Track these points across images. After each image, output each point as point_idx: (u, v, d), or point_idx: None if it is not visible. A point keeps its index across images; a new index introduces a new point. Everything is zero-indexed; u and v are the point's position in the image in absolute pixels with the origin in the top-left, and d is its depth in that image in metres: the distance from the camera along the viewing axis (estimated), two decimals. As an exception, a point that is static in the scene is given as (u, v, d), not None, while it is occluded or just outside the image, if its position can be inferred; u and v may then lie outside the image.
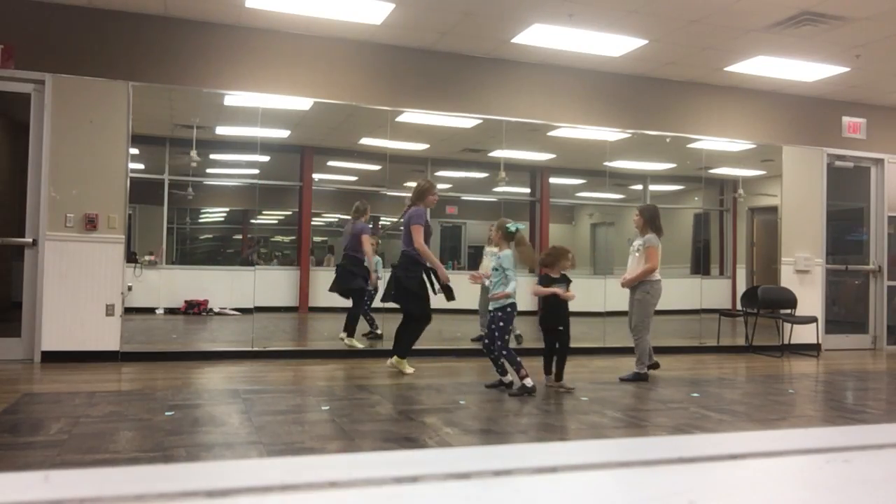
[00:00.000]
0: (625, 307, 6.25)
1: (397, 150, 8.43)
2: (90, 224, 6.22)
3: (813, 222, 8.75)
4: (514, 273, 5.28)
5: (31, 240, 6.22)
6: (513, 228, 5.41)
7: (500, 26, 6.64)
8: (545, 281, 5.55)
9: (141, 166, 8.37)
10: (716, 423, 4.49)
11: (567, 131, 8.17)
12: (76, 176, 6.22)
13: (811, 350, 8.24)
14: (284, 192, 10.54)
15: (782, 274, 8.60)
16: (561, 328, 5.49)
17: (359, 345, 7.27)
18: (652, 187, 10.43)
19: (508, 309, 5.31)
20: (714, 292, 9.75)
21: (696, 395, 5.48)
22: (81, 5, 6.26)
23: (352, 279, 7.22)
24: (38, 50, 6.18)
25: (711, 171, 9.36)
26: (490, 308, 5.44)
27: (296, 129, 8.83)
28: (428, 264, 5.88)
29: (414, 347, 7.79)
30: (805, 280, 8.61)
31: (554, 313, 5.54)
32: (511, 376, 5.28)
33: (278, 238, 11.95)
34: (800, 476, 0.66)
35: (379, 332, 7.74)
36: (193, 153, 7.61)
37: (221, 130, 8.56)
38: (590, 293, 8.06)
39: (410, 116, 7.57)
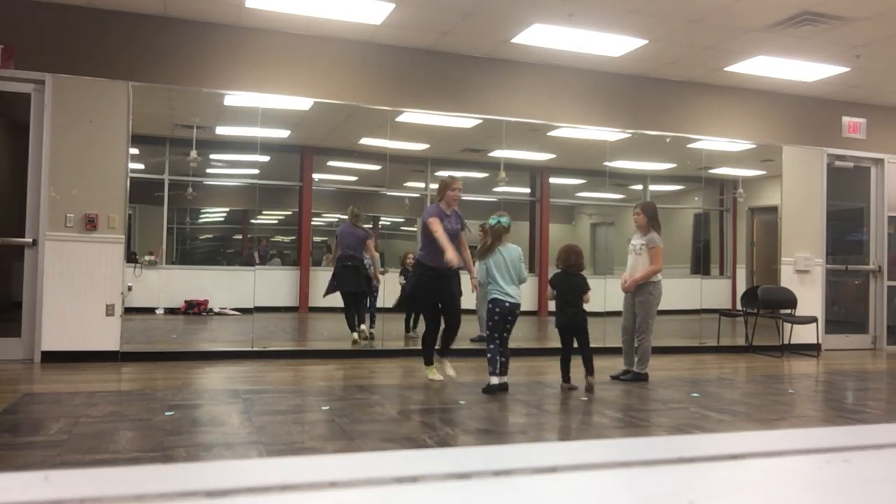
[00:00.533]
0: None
1: (397, 150, 8.43)
2: (90, 224, 6.22)
3: (813, 222, 8.74)
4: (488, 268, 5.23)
5: (31, 240, 6.22)
6: (492, 222, 5.36)
7: (500, 26, 6.64)
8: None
9: (141, 166, 8.37)
10: (716, 423, 4.49)
11: (567, 131, 8.17)
12: (76, 176, 6.22)
13: (811, 350, 8.24)
14: (284, 192, 10.54)
15: (782, 274, 8.60)
16: (572, 330, 5.38)
17: (356, 336, 7.47)
18: (652, 187, 10.43)
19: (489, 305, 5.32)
20: (714, 292, 9.75)
21: (696, 395, 5.48)
22: (81, 5, 6.25)
23: (361, 281, 7.59)
24: (38, 50, 6.18)
25: (711, 171, 9.36)
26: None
27: (296, 129, 8.83)
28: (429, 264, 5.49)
29: (413, 347, 7.82)
30: (805, 280, 8.61)
31: (562, 313, 5.43)
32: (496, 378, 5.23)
33: (278, 238, 11.96)
34: (800, 476, 0.66)
35: (372, 331, 7.79)
36: (193, 153, 7.61)
37: (221, 130, 8.56)
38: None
39: (410, 116, 7.57)
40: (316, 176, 10.38)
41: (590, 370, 5.31)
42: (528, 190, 10.82)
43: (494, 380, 5.17)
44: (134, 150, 6.57)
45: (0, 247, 6.35)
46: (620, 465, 0.62)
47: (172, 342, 7.95)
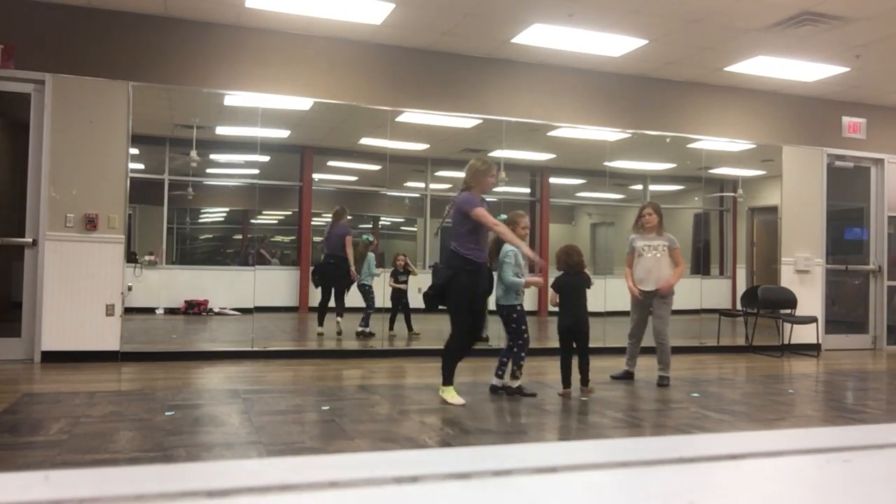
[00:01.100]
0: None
1: (397, 150, 8.43)
2: (90, 224, 6.22)
3: (813, 222, 8.74)
4: (511, 269, 5.07)
5: (31, 240, 6.22)
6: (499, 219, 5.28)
7: (500, 26, 6.64)
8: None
9: (141, 166, 8.37)
10: (716, 423, 4.49)
11: (567, 131, 8.17)
12: (76, 176, 6.22)
13: (811, 350, 8.24)
14: (284, 192, 10.54)
15: (782, 274, 8.60)
16: (575, 333, 5.32)
17: (331, 329, 7.82)
18: (652, 187, 10.43)
19: (519, 308, 5.19)
20: (714, 292, 9.75)
21: (696, 395, 5.48)
22: (81, 5, 6.25)
23: (340, 277, 7.94)
24: (38, 50, 6.18)
25: (711, 171, 9.36)
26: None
27: (296, 129, 8.83)
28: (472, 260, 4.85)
29: (413, 347, 7.84)
30: (805, 280, 8.61)
31: (566, 315, 5.38)
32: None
33: (278, 238, 11.95)
34: (800, 476, 0.66)
35: (369, 330, 7.83)
36: (193, 153, 7.61)
37: (221, 130, 8.56)
38: (590, 293, 8.04)
39: (410, 116, 7.57)
40: (316, 176, 10.38)
41: (586, 380, 5.30)
42: (528, 190, 10.82)
43: (494, 381, 5.18)
44: (134, 150, 6.57)
45: (0, 247, 6.35)
46: (620, 465, 0.62)
47: (172, 342, 7.95)
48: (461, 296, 4.77)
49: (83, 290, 6.19)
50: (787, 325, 8.28)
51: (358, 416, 4.44)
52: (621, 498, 0.59)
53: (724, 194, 10.07)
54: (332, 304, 8.05)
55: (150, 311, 8.95)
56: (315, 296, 9.79)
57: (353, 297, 8.28)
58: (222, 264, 11.42)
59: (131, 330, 6.71)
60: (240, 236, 11.94)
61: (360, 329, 8.06)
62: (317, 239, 11.06)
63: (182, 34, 6.58)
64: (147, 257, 8.96)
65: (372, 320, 7.99)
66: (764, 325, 8.48)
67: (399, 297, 8.14)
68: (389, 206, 11.08)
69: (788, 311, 8.29)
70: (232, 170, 10.03)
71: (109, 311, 6.27)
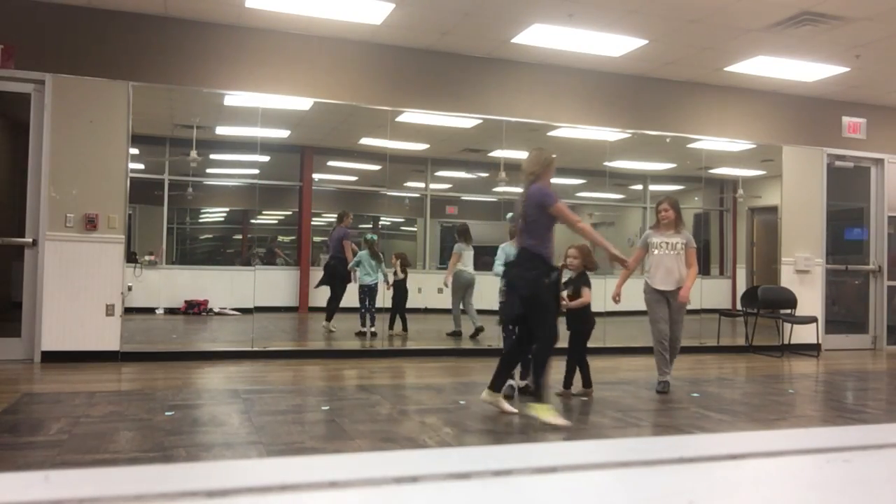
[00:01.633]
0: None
1: (397, 150, 8.43)
2: (90, 224, 6.22)
3: (813, 222, 8.75)
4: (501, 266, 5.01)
5: (31, 240, 6.22)
6: (510, 220, 5.22)
7: (500, 26, 6.64)
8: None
9: (141, 166, 8.37)
10: (716, 423, 4.49)
11: (567, 131, 8.17)
12: (76, 176, 6.22)
13: (811, 350, 8.24)
14: (284, 192, 10.55)
15: (782, 274, 8.60)
16: (575, 331, 5.28)
17: (333, 329, 8.12)
18: (652, 187, 10.43)
19: None
20: (714, 292, 9.75)
21: (696, 395, 5.48)
22: (81, 5, 6.25)
23: (340, 277, 8.27)
24: (38, 50, 6.18)
25: (711, 171, 9.36)
26: None
27: (296, 129, 8.83)
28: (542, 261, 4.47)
29: (413, 347, 7.85)
30: (805, 280, 8.61)
31: (571, 315, 5.30)
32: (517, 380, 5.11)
33: (278, 238, 11.95)
34: (800, 476, 0.66)
35: (374, 330, 7.84)
36: (193, 153, 7.61)
37: (221, 130, 8.56)
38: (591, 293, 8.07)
39: (410, 116, 7.57)
40: (316, 176, 10.38)
41: (588, 382, 5.29)
42: (528, 190, 10.80)
43: (521, 382, 5.15)
44: (134, 150, 6.57)
45: (0, 247, 6.35)
46: (620, 465, 0.62)
47: (172, 342, 7.95)
48: (552, 299, 4.41)
49: (83, 290, 6.19)
50: (787, 325, 8.28)
51: (358, 416, 4.44)
52: (621, 498, 0.59)
53: (724, 196, 10.08)
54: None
55: (150, 311, 8.95)
56: (314, 296, 9.81)
57: (352, 298, 8.32)
58: (222, 264, 11.43)
59: (131, 330, 6.71)
60: (240, 236, 11.95)
61: (363, 329, 8.07)
62: (317, 239, 11.07)
63: (182, 34, 6.58)
64: (147, 257, 8.96)
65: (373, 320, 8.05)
66: (764, 325, 8.48)
67: (397, 296, 8.17)
68: (389, 206, 11.07)
69: (788, 311, 8.29)
70: (232, 170, 10.03)
71: (109, 311, 6.27)
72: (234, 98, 7.00)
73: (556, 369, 5.74)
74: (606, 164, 8.40)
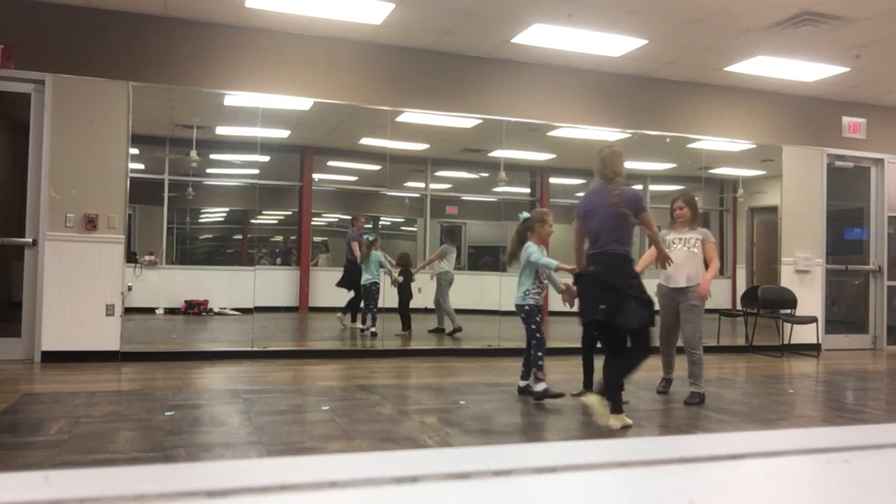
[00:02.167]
0: None
1: (397, 150, 8.43)
2: (90, 224, 6.22)
3: (813, 222, 8.75)
4: (529, 269, 4.93)
5: (31, 240, 6.22)
6: (521, 218, 5.14)
7: (500, 26, 6.64)
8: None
9: (141, 166, 8.37)
10: (716, 423, 4.49)
11: (567, 131, 8.17)
12: (76, 176, 6.22)
13: (811, 350, 8.24)
14: (284, 192, 10.55)
15: (782, 274, 8.60)
16: (596, 333, 5.07)
17: (360, 325, 8.18)
18: (652, 187, 10.43)
19: (526, 308, 5.01)
20: (714, 292, 9.73)
21: (696, 395, 5.47)
22: (81, 5, 6.25)
23: (352, 277, 8.46)
24: (38, 50, 6.18)
25: (711, 171, 9.36)
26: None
27: (296, 129, 8.83)
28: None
29: (413, 347, 7.85)
30: (805, 280, 8.61)
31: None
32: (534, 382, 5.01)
33: (278, 238, 11.96)
34: (800, 476, 0.66)
35: (374, 330, 7.87)
36: (193, 153, 7.61)
37: (221, 130, 8.56)
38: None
39: (410, 116, 7.57)
40: (316, 176, 10.38)
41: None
42: (528, 190, 10.82)
43: (521, 382, 5.14)
44: (134, 150, 6.57)
45: (0, 247, 6.35)
46: (620, 465, 0.62)
47: (172, 342, 7.95)
48: (640, 304, 4.21)
49: (83, 290, 6.19)
50: (787, 325, 8.28)
51: (358, 416, 4.44)
52: (621, 498, 0.59)
53: (724, 196, 10.08)
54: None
55: (150, 311, 8.96)
56: (314, 296, 9.82)
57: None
58: (222, 264, 11.43)
59: (131, 330, 6.71)
60: (240, 236, 11.95)
61: (361, 327, 8.11)
62: (317, 239, 11.09)
63: (182, 34, 6.58)
64: (147, 257, 8.97)
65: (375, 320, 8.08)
66: (764, 325, 8.48)
67: (401, 296, 8.20)
68: (389, 206, 11.07)
69: (788, 311, 8.29)
70: (232, 170, 10.03)
71: (109, 311, 6.27)
72: (234, 98, 7.00)
73: (554, 370, 5.74)
74: (606, 164, 8.39)
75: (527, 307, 5.01)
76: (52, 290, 6.11)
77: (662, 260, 4.74)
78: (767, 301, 8.30)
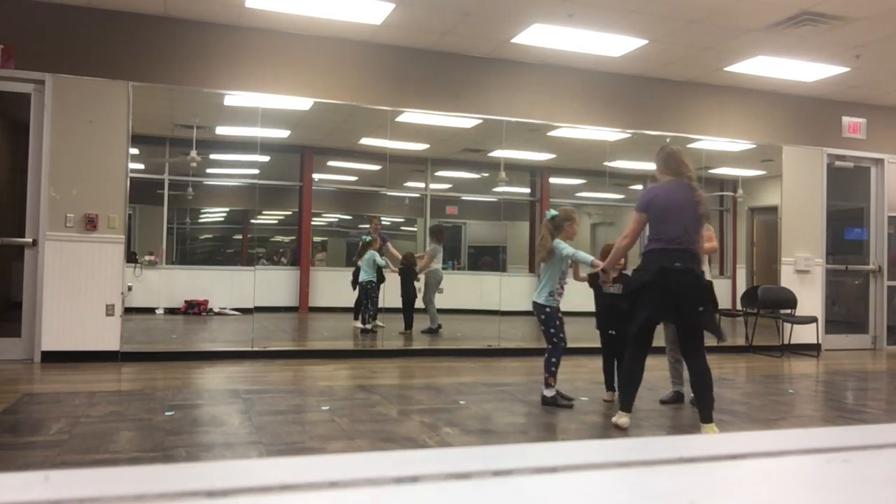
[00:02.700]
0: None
1: (397, 150, 8.43)
2: (90, 224, 6.22)
3: (813, 222, 8.75)
4: (556, 269, 4.82)
5: (31, 240, 6.22)
6: (549, 216, 5.00)
7: (500, 26, 6.64)
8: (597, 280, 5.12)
9: (141, 166, 8.37)
10: (716, 423, 4.48)
11: (567, 131, 8.17)
12: (76, 176, 6.22)
13: (811, 350, 8.24)
14: (284, 192, 10.55)
15: (782, 274, 8.60)
16: (613, 332, 5.11)
17: (380, 324, 8.11)
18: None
19: (547, 310, 4.89)
20: (714, 292, 9.74)
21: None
22: (81, 5, 6.25)
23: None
24: (38, 50, 6.18)
25: (711, 171, 9.36)
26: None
27: (296, 129, 8.83)
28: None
29: (413, 347, 7.86)
30: (805, 280, 8.61)
31: (604, 315, 5.17)
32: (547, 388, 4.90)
33: (278, 238, 11.95)
34: (800, 476, 0.66)
35: (369, 327, 8.02)
36: (193, 153, 7.61)
37: (221, 130, 8.56)
38: (590, 292, 8.09)
39: (410, 116, 7.57)
40: (316, 176, 10.38)
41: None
42: (528, 190, 10.82)
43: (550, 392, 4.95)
44: (134, 150, 6.57)
45: (0, 247, 6.35)
46: (620, 465, 0.62)
47: (172, 342, 7.95)
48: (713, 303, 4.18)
49: (83, 290, 6.19)
50: (787, 325, 8.28)
51: (358, 416, 4.44)
52: (621, 498, 0.59)
53: (724, 194, 10.08)
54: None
55: (150, 311, 8.96)
56: (314, 296, 9.82)
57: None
58: (222, 264, 11.43)
59: (131, 330, 6.71)
60: (240, 236, 11.95)
61: (360, 326, 8.13)
62: (317, 239, 11.09)
63: (182, 34, 6.58)
64: (147, 257, 8.97)
65: (380, 319, 8.12)
66: (764, 325, 8.48)
67: (405, 295, 8.23)
68: (389, 206, 11.08)
69: (788, 311, 8.29)
70: (232, 170, 10.03)
71: (109, 311, 6.27)
72: (234, 98, 7.00)
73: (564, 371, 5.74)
74: (606, 164, 8.40)
75: (548, 308, 4.87)
76: (52, 290, 6.11)
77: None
78: (767, 301, 8.30)
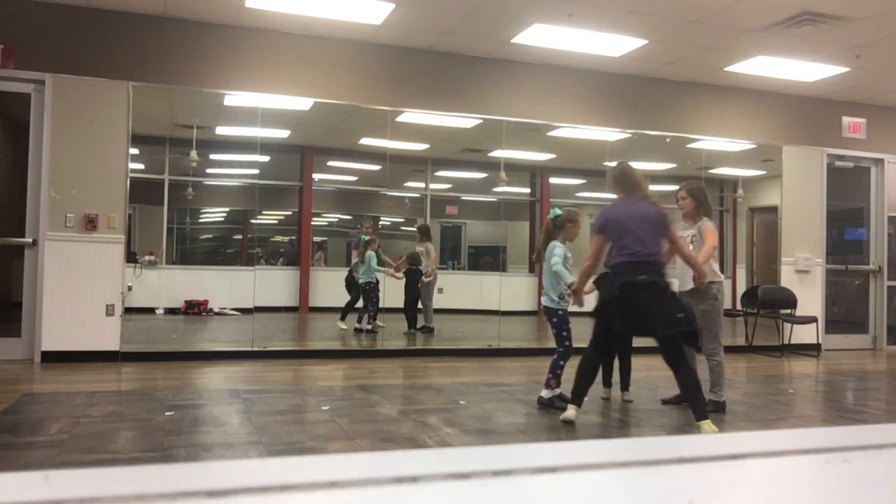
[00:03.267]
0: None
1: (397, 150, 8.43)
2: (90, 224, 6.22)
3: (813, 222, 8.75)
4: (560, 270, 4.73)
5: (31, 240, 6.22)
6: (551, 215, 4.95)
7: (500, 26, 6.64)
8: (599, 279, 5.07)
9: (141, 166, 8.37)
10: (716, 423, 4.49)
11: (567, 131, 8.17)
12: (76, 176, 6.22)
13: (811, 350, 8.24)
14: (284, 192, 10.55)
15: (782, 274, 8.60)
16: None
17: (380, 324, 8.10)
18: (652, 187, 10.39)
19: (560, 312, 4.82)
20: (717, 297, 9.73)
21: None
22: (81, 5, 6.25)
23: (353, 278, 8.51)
24: (38, 50, 6.18)
25: (711, 171, 9.36)
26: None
27: (296, 129, 8.83)
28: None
29: (413, 347, 7.86)
30: (805, 280, 8.61)
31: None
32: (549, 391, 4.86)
33: (278, 238, 11.95)
34: (800, 476, 0.66)
35: (368, 327, 8.03)
36: (193, 153, 7.61)
37: (221, 130, 8.56)
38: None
39: (410, 116, 7.57)
40: (316, 176, 10.39)
41: (625, 384, 5.21)
42: (528, 190, 10.82)
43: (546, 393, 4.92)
44: (134, 150, 6.57)
45: (0, 247, 6.35)
46: (620, 465, 0.62)
47: (172, 342, 7.95)
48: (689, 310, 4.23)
49: (83, 290, 6.19)
50: (787, 325, 8.28)
51: (358, 416, 4.44)
52: (621, 498, 0.59)
53: (724, 196, 10.08)
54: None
55: (150, 311, 8.96)
56: (314, 296, 9.82)
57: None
58: (222, 264, 11.43)
59: (131, 330, 6.71)
60: (240, 236, 11.95)
61: (357, 326, 8.14)
62: (317, 239, 11.09)
63: (182, 34, 6.58)
64: (147, 257, 8.97)
65: (379, 319, 8.13)
66: (764, 325, 8.48)
67: (408, 295, 8.24)
68: (389, 206, 11.08)
69: (788, 311, 8.29)
70: (232, 170, 10.03)
71: (109, 311, 6.27)
72: (234, 98, 7.00)
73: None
74: (606, 164, 8.40)
75: (560, 311, 4.82)
76: (52, 290, 6.11)
77: (700, 276, 4.52)
78: (767, 301, 8.30)
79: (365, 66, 7.18)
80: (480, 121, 7.79)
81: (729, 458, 0.65)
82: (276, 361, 6.58)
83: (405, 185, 10.49)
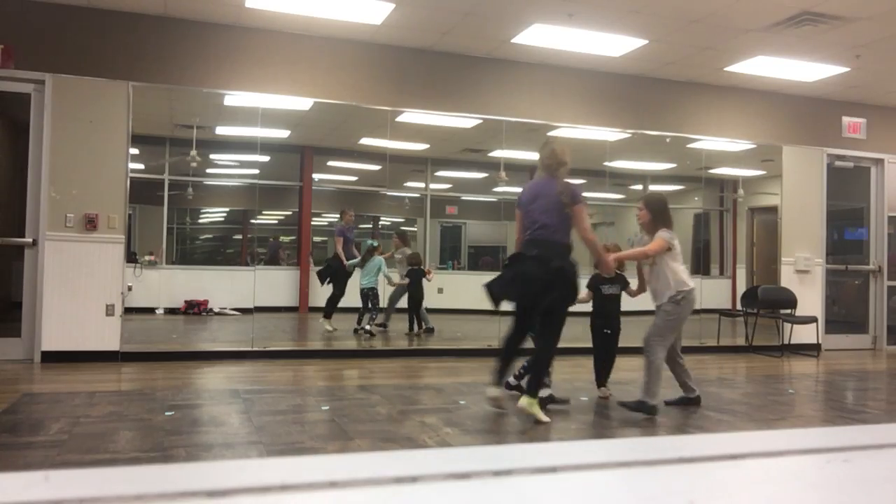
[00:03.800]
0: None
1: (397, 150, 8.43)
2: (90, 224, 6.22)
3: (813, 222, 8.74)
4: None
5: (31, 240, 6.22)
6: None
7: (500, 26, 6.64)
8: (595, 281, 5.20)
9: (141, 166, 8.37)
10: (716, 423, 4.49)
11: (567, 131, 8.17)
12: (76, 176, 6.22)
13: (811, 350, 8.24)
14: (284, 192, 10.55)
15: (782, 274, 8.60)
16: (608, 331, 5.22)
17: (379, 327, 8.25)
18: (652, 187, 10.43)
19: None
20: (714, 292, 9.75)
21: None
22: (81, 5, 6.25)
23: (335, 272, 8.46)
24: (38, 50, 6.18)
25: (711, 171, 9.36)
26: None
27: (296, 129, 8.83)
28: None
29: (413, 347, 7.85)
30: (805, 280, 8.61)
31: (601, 314, 5.26)
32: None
33: (278, 238, 11.95)
34: (800, 476, 0.66)
35: (368, 328, 8.04)
36: (193, 153, 7.61)
37: (221, 130, 8.56)
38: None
39: (410, 116, 7.57)
40: (316, 176, 10.39)
41: (601, 381, 5.27)
42: (528, 190, 10.80)
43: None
44: (134, 150, 6.56)
45: (0, 247, 6.35)
46: (620, 465, 0.62)
47: (172, 342, 7.95)
48: (574, 293, 4.40)
49: (83, 290, 6.19)
50: (787, 325, 8.28)
51: (358, 416, 4.44)
52: (621, 498, 0.59)
53: (724, 195, 10.09)
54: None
55: (150, 311, 8.96)
56: (315, 296, 9.82)
57: (353, 297, 8.38)
58: (222, 264, 11.43)
59: (131, 330, 6.71)
60: (240, 236, 11.95)
61: (357, 326, 8.14)
62: (317, 239, 11.09)
63: (182, 34, 6.58)
64: (147, 257, 8.97)
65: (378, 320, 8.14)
66: (764, 325, 8.47)
67: (412, 295, 8.24)
68: (389, 206, 11.08)
69: (788, 311, 8.29)
70: (232, 170, 10.03)
71: (109, 311, 6.27)
72: (234, 98, 7.00)
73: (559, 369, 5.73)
74: (606, 164, 8.40)
75: None
76: (52, 290, 6.11)
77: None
78: (767, 301, 8.30)
79: (365, 66, 7.18)
80: (480, 121, 7.79)
81: (729, 458, 0.65)
82: (276, 361, 6.58)
83: (405, 185, 10.49)
